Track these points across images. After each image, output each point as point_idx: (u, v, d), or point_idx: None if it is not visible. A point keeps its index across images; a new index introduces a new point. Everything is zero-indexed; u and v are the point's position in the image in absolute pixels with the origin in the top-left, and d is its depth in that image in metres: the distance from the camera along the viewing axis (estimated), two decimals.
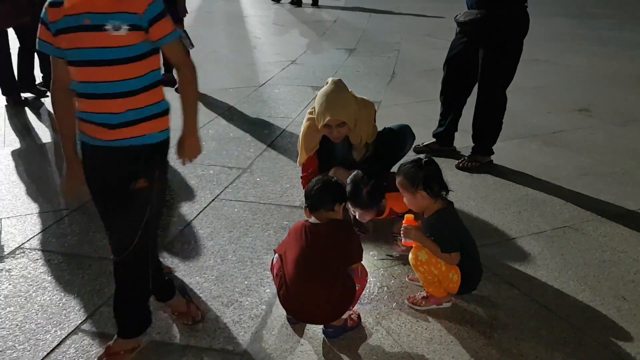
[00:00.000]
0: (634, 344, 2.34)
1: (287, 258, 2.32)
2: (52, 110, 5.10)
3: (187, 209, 3.41)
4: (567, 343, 2.33)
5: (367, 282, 2.43)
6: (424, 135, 4.50)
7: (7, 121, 4.94)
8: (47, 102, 5.43)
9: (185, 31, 5.66)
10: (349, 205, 2.89)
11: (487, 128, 4.07)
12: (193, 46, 5.74)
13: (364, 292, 2.55)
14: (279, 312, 2.44)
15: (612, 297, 2.64)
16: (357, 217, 2.95)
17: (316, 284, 2.22)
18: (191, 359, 2.21)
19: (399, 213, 3.00)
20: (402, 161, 2.79)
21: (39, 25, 1.85)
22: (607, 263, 2.92)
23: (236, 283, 2.69)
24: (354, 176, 2.90)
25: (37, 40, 1.87)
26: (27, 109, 5.24)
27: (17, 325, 2.37)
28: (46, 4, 1.82)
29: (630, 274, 2.83)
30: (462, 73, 4.07)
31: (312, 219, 2.33)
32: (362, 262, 2.36)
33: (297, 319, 2.37)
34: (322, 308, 2.25)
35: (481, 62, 3.88)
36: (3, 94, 5.30)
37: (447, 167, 3.98)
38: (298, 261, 2.27)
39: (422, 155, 2.54)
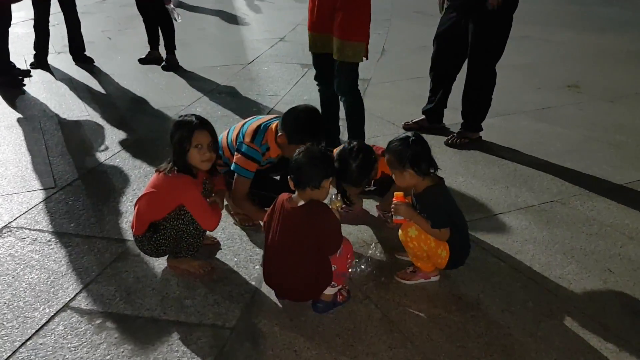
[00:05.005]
0: (619, 315, 2.37)
1: (268, 234, 2.35)
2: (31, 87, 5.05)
3: None
4: (554, 315, 2.36)
5: (348, 260, 2.32)
6: (413, 112, 4.49)
7: None
8: (29, 81, 5.33)
9: (172, 4, 5.59)
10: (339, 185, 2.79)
11: (477, 104, 4.05)
12: (180, 19, 5.69)
13: (353, 268, 2.56)
14: (268, 288, 2.44)
15: (599, 269, 2.68)
16: (347, 192, 2.90)
17: (288, 265, 2.25)
18: (181, 335, 2.21)
19: (389, 174, 2.96)
20: (391, 139, 2.75)
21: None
22: (594, 237, 2.95)
23: (226, 260, 2.69)
24: (341, 151, 2.77)
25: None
26: (12, 88, 5.12)
27: (5, 303, 2.36)
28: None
29: (617, 247, 2.87)
30: (452, 49, 4.04)
31: (294, 196, 2.30)
32: (349, 240, 2.34)
33: (278, 294, 2.40)
34: (297, 286, 2.29)
35: (470, 38, 3.85)
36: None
37: (436, 144, 3.97)
38: (273, 240, 2.30)
39: (410, 133, 2.49)
